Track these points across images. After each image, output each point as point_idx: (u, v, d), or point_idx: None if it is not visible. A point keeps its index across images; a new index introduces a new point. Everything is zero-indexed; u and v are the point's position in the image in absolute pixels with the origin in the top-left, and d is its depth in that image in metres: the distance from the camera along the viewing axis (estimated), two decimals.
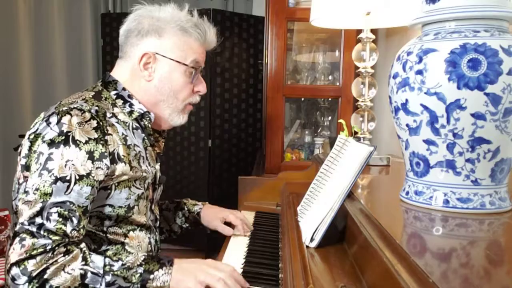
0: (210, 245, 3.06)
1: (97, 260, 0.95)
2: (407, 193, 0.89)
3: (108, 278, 0.94)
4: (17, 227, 0.94)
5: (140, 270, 0.97)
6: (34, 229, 0.93)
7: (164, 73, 1.15)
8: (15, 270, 0.90)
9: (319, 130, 2.31)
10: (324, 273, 0.84)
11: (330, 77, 2.21)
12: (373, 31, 1.55)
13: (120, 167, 1.04)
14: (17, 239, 0.92)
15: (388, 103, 0.92)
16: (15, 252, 0.91)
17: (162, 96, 1.16)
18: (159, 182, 1.24)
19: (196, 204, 1.45)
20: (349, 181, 0.94)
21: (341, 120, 1.24)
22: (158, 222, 1.25)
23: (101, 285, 0.93)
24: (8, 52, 3.31)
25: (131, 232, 1.11)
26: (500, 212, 0.81)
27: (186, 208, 1.44)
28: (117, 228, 1.09)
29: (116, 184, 1.06)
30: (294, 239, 1.02)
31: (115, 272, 0.95)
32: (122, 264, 0.96)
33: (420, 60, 0.80)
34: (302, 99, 2.38)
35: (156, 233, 1.22)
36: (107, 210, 1.06)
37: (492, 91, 0.74)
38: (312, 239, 0.94)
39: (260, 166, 2.25)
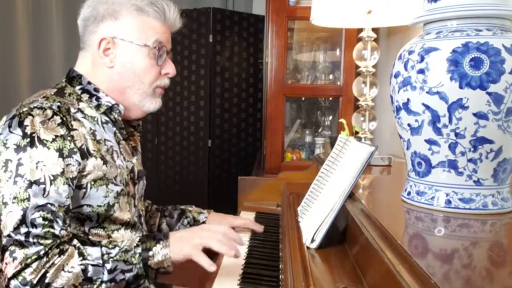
0: None
1: (94, 252, 0.95)
2: (409, 193, 0.89)
3: (109, 265, 0.94)
4: (5, 240, 0.91)
5: (138, 250, 0.97)
6: (22, 238, 0.91)
7: (125, 57, 1.10)
8: (14, 283, 0.89)
9: (319, 130, 2.31)
10: (324, 274, 0.83)
11: (331, 76, 2.20)
12: (374, 30, 1.54)
13: (92, 162, 1.01)
14: (7, 253, 0.90)
15: (390, 103, 0.91)
16: (10, 266, 0.89)
17: (127, 82, 1.11)
18: (139, 176, 1.20)
19: (201, 213, 1.41)
20: (350, 181, 0.93)
21: (342, 120, 1.23)
22: (143, 218, 1.22)
23: (103, 274, 0.94)
24: (7, 52, 3.31)
25: (115, 233, 1.08)
26: (503, 212, 0.80)
27: (191, 216, 1.40)
28: (100, 229, 1.06)
29: (92, 183, 1.02)
30: (295, 240, 1.01)
31: (115, 258, 0.95)
32: (120, 249, 0.97)
33: (422, 59, 0.80)
34: (303, 98, 2.37)
35: (143, 230, 1.19)
36: (86, 210, 1.03)
37: (494, 91, 0.74)
38: (312, 240, 0.94)
39: (260, 166, 2.24)
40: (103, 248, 0.96)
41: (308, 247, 0.94)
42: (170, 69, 1.16)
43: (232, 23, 3.16)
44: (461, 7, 0.79)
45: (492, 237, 0.75)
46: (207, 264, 0.97)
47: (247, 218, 1.44)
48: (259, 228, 1.38)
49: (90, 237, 1.05)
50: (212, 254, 1.06)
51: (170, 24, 1.15)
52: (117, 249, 0.97)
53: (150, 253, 0.97)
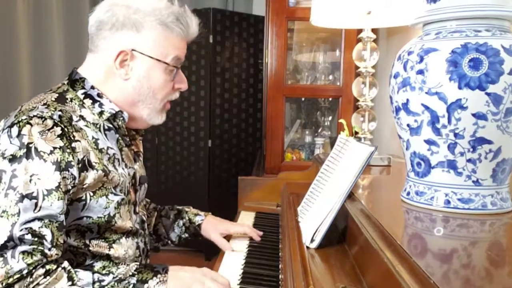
0: (210, 246, 3.04)
1: (85, 277, 0.88)
2: (408, 193, 0.89)
3: None
4: None
5: (133, 280, 0.91)
6: (7, 255, 0.83)
7: (142, 71, 1.05)
8: None
9: (319, 130, 2.31)
10: (324, 274, 0.83)
11: (330, 77, 2.21)
12: (374, 30, 1.54)
13: (92, 175, 0.96)
14: None
15: (389, 103, 0.91)
16: None
17: (140, 97, 1.07)
18: (140, 182, 1.15)
19: (198, 214, 1.36)
20: (350, 181, 0.93)
21: (341, 120, 1.24)
22: (145, 224, 1.18)
23: None
24: (7, 53, 3.31)
25: (116, 243, 1.04)
26: (502, 212, 0.81)
27: (187, 218, 1.35)
28: (101, 240, 1.01)
29: (91, 194, 0.97)
30: (294, 240, 1.01)
31: (107, 286, 0.88)
32: (113, 277, 0.90)
33: (421, 59, 0.80)
34: (303, 99, 2.38)
35: (145, 235, 1.16)
36: (86, 222, 0.98)
37: (493, 91, 0.74)
38: (312, 240, 0.94)
39: (260, 166, 2.25)
40: (96, 275, 0.89)
41: (308, 247, 0.94)
42: (182, 83, 1.13)
43: (232, 24, 3.16)
44: (460, 8, 0.79)
45: (491, 237, 0.75)
46: None
47: (244, 224, 1.40)
48: (257, 235, 1.32)
49: (91, 248, 1.00)
50: (213, 253, 1.06)
51: (190, 38, 1.12)
52: (110, 276, 0.90)
53: (145, 286, 0.91)
